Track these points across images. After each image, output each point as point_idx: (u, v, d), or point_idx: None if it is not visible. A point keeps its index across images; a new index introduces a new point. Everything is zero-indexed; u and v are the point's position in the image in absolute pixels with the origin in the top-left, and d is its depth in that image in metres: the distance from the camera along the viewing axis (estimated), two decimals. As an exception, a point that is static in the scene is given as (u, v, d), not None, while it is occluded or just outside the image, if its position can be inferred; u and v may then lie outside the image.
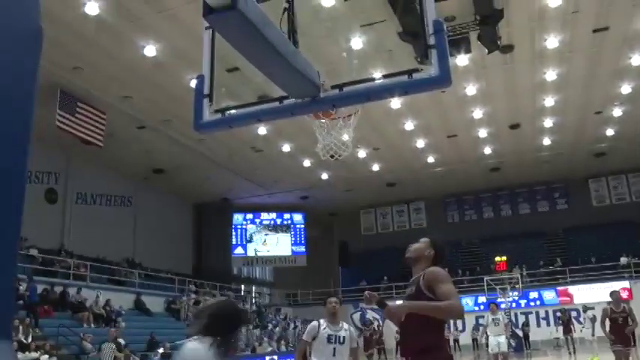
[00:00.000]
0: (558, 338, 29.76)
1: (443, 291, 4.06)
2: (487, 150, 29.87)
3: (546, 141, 28.97)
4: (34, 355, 15.20)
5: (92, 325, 19.78)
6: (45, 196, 25.30)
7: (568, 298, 31.64)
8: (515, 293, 30.30)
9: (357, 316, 35.36)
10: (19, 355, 14.86)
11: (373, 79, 4.46)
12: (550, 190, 37.26)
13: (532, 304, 32.22)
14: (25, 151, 1.80)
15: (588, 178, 35.90)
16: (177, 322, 25.56)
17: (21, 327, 16.13)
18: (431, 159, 30.69)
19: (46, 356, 15.61)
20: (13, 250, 1.70)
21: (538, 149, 29.92)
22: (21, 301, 18.34)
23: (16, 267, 1.76)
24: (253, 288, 40.83)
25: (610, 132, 28.16)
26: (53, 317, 18.60)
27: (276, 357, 22.82)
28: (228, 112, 4.30)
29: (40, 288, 19.73)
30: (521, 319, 31.28)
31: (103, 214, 27.86)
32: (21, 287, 18.79)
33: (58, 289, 20.71)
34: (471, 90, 22.64)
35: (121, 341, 13.92)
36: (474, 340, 30.70)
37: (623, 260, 31.82)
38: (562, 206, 36.85)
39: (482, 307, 32.69)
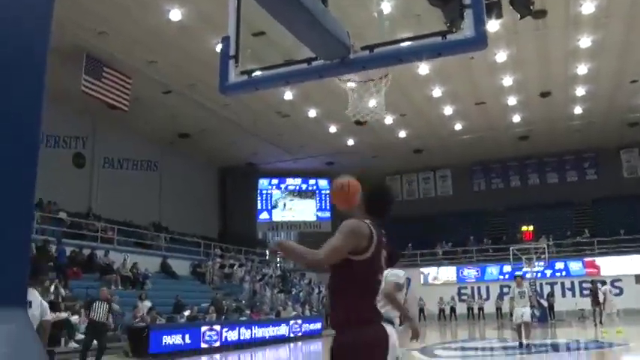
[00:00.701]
0: (583, 309, 29.53)
1: (328, 241, 3.36)
2: (516, 118, 29.32)
3: (578, 109, 28.30)
4: (64, 315, 15.48)
5: (119, 287, 20.11)
6: (73, 161, 25.64)
7: (595, 270, 31.25)
8: (541, 263, 30.00)
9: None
10: (51, 315, 15.15)
11: (404, 41, 4.28)
12: (580, 160, 36.51)
13: (558, 274, 31.89)
14: (38, 109, 1.69)
15: (620, 149, 35.09)
16: (202, 285, 25.88)
17: (52, 287, 16.46)
18: (458, 126, 30.26)
19: (76, 316, 15.90)
20: (28, 220, 1.62)
21: (569, 118, 29.27)
22: (51, 263, 18.72)
23: (30, 237, 1.68)
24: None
25: (644, 101, 27.41)
26: (82, 279, 18.92)
27: (300, 321, 23.02)
28: (254, 74, 4.17)
29: (68, 250, 20.06)
30: (547, 289, 31.03)
31: (130, 178, 28.16)
32: (51, 249, 19.18)
33: (86, 252, 21.04)
34: (501, 56, 22.11)
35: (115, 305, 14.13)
36: (498, 308, 30.67)
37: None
38: (591, 176, 36.15)
39: (506, 276, 32.49)
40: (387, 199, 3.83)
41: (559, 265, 31.85)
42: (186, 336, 16.25)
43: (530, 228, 34.45)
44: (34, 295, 5.03)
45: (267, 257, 36.47)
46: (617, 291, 30.13)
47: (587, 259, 31.73)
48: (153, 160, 30.13)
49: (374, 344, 3.17)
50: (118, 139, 27.34)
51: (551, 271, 31.50)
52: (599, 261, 31.30)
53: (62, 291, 16.88)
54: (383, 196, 3.83)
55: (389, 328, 4.13)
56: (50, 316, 5.08)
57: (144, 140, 28.76)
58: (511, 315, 17.55)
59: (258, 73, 4.20)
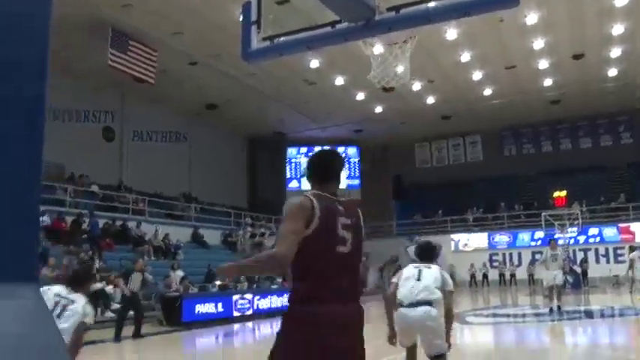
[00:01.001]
0: (617, 276, 29.10)
1: (277, 234, 3.04)
2: (547, 82, 28.60)
3: (612, 71, 27.45)
4: (99, 285, 15.78)
5: (152, 258, 20.40)
6: (103, 135, 25.90)
7: (630, 236, 30.64)
8: (574, 229, 29.49)
9: (412, 249, 35.38)
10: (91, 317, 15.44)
11: (431, 0, 4.11)
12: (614, 124, 35.42)
13: (591, 240, 31.36)
14: (43, 75, 1.62)
15: (657, 111, 34.06)
16: (233, 254, 26.12)
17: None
18: (488, 91, 29.67)
19: (111, 286, 16.21)
20: (35, 189, 1.56)
21: (603, 80, 28.40)
22: (85, 235, 19.08)
23: (38, 208, 1.62)
24: (308, 222, 41.20)
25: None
26: (115, 250, 19.23)
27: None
28: (277, 39, 4.06)
29: (101, 222, 20.38)
30: (580, 255, 30.60)
31: (159, 150, 28.40)
32: (84, 222, 19.55)
33: (119, 224, 21.37)
34: (531, 18, 21.48)
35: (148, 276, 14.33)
36: (530, 275, 30.39)
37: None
38: (626, 140, 35.10)
39: (539, 242, 32.13)
40: (325, 161, 3.36)
41: (593, 230, 31.29)
42: (219, 305, 16.46)
43: (563, 193, 33.79)
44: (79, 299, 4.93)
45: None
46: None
47: (622, 225, 31.10)
48: (181, 132, 30.32)
49: (322, 324, 2.75)
50: (146, 112, 27.54)
51: (584, 237, 30.96)
52: (635, 226, 30.65)
53: (97, 262, 17.17)
54: (321, 159, 3.37)
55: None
56: (91, 318, 4.95)
57: (171, 112, 28.89)
58: (542, 281, 17.38)
59: (281, 39, 4.09)
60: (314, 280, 2.84)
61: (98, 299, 15.13)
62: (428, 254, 5.70)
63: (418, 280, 5.29)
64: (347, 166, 37.63)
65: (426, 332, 5.17)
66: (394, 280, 5.57)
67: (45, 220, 18.60)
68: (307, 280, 2.83)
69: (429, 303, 5.19)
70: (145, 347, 11.74)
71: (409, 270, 5.50)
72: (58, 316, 4.59)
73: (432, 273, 5.39)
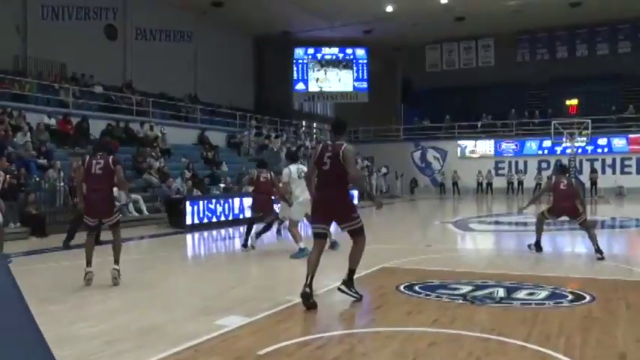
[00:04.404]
0: (622, 186, 29.11)
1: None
2: (570, -20, 27.22)
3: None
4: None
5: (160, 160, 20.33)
6: (104, 32, 25.22)
7: (639, 147, 30.33)
8: (583, 139, 29.12)
9: (417, 155, 35.39)
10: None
11: None
12: (635, 29, 33.83)
13: (599, 150, 31.08)
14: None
15: (683, 17, 32.60)
16: (237, 156, 26.14)
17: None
18: (506, -10, 28.43)
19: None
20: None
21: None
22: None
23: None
24: (314, 124, 41.05)
25: None
26: (119, 152, 19.17)
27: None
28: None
29: (104, 124, 20.24)
30: (586, 165, 30.42)
31: (164, 50, 27.76)
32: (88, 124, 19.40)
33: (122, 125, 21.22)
34: None
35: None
36: (538, 184, 30.47)
37: None
38: (646, 47, 33.89)
39: (546, 151, 31.99)
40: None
41: (602, 141, 30.96)
42: (225, 206, 16.59)
43: (575, 102, 33.26)
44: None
45: (302, 128, 36.54)
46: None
47: (632, 136, 30.68)
48: (186, 31, 29.55)
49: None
50: (149, 10, 26.74)
51: (592, 147, 30.66)
52: (645, 137, 30.28)
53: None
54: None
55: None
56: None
57: (176, 10, 28.03)
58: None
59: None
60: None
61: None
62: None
63: None
64: (355, 68, 36.94)
65: None
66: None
67: (51, 122, 18.48)
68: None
69: None
70: (131, 250, 11.88)
71: None
72: None
73: None
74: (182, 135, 24.08)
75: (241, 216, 17.06)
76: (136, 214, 16.40)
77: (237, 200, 17.22)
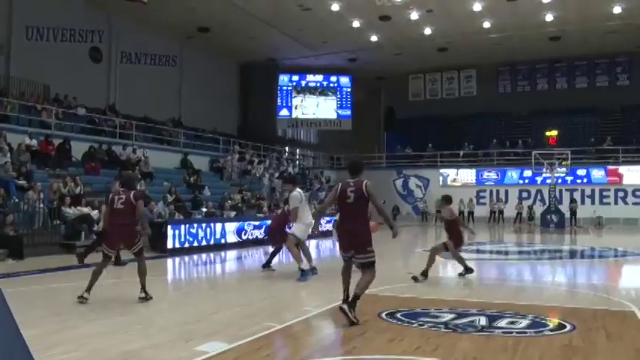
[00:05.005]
0: (601, 217, 29.45)
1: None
2: (549, 17, 27.88)
3: (617, 9, 26.70)
4: (85, 210, 15.69)
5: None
6: (89, 55, 25.21)
7: (617, 178, 30.80)
8: (563, 169, 29.56)
9: (399, 182, 35.55)
10: (70, 209, 15.41)
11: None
12: (612, 65, 34.91)
13: (579, 181, 31.48)
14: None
15: (657, 54, 33.50)
16: (220, 181, 26.07)
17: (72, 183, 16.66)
18: (487, 24, 28.98)
19: (96, 211, 16.11)
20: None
21: (606, 18, 27.64)
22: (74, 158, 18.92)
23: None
24: (297, 150, 41.15)
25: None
26: (101, 175, 19.06)
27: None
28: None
29: (87, 146, 20.11)
30: (566, 195, 30.81)
31: (149, 73, 27.79)
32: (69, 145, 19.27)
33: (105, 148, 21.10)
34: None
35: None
36: (519, 213, 30.79)
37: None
38: (623, 82, 34.65)
39: (526, 180, 32.34)
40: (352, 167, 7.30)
41: (581, 172, 31.38)
42: (206, 231, 16.49)
43: (555, 133, 33.79)
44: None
45: (285, 154, 36.62)
46: (638, 200, 29.93)
47: (610, 167, 31.15)
48: (172, 55, 29.66)
49: None
50: (135, 33, 26.82)
51: (572, 177, 31.10)
52: (622, 169, 30.75)
53: (74, 185, 16.93)
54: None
55: None
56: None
57: (162, 34, 28.17)
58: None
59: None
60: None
61: (83, 223, 15.10)
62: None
63: None
64: (338, 95, 37.27)
65: None
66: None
67: (32, 143, 18.30)
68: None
69: None
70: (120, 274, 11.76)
71: None
72: None
73: None
74: (165, 159, 23.99)
75: (223, 240, 17.00)
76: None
77: (219, 225, 17.16)
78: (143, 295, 7.61)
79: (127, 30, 26.37)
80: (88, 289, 7.46)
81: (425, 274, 9.78)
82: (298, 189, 10.78)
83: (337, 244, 7.18)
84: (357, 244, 6.60)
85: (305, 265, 10.03)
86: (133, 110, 25.31)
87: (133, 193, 7.81)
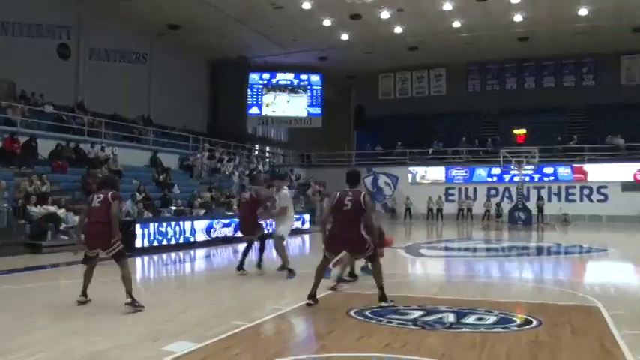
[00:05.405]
0: (567, 214, 29.98)
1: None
2: (518, 17, 28.28)
3: (583, 11, 27.21)
4: (52, 208, 15.44)
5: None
6: (57, 52, 24.78)
7: (582, 176, 31.39)
8: (531, 167, 30.06)
9: (369, 180, 35.67)
10: (37, 208, 15.14)
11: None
12: (578, 65, 35.70)
13: (545, 179, 31.98)
14: None
15: (621, 55, 34.26)
16: (190, 179, 25.87)
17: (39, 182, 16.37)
18: (457, 24, 29.28)
19: (63, 210, 15.87)
20: None
21: (573, 19, 28.15)
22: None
23: None
24: (267, 148, 41.05)
25: (655, 5, 26.47)
26: (68, 173, 18.76)
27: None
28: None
29: (54, 144, 19.76)
30: (533, 193, 31.28)
31: (118, 70, 27.41)
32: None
33: (73, 146, 20.76)
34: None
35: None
36: (487, 211, 31.15)
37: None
38: (589, 82, 35.46)
39: (494, 178, 32.73)
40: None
41: (548, 170, 31.89)
42: (175, 230, 16.35)
43: (523, 131, 34.27)
44: None
45: (255, 152, 36.52)
46: (602, 197, 30.57)
47: (576, 165, 31.73)
48: (142, 52, 29.31)
49: None
50: (104, 30, 26.41)
51: (539, 175, 31.61)
52: (587, 167, 31.35)
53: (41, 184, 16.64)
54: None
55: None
56: None
57: (132, 31, 27.87)
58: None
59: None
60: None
61: (49, 222, 14.86)
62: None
63: None
64: (309, 94, 37.31)
65: None
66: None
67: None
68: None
69: None
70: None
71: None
72: None
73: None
74: (134, 157, 23.69)
75: (192, 239, 16.89)
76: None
77: (188, 223, 17.04)
78: (129, 300, 6.95)
79: (96, 26, 25.93)
80: (83, 293, 7.28)
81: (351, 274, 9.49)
82: (286, 187, 10.72)
83: (326, 245, 7.44)
84: (353, 247, 7.45)
85: (290, 265, 9.97)
86: (101, 108, 24.89)
87: (111, 192, 7.48)
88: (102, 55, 27.04)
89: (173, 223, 16.54)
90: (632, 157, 30.46)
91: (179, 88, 30.78)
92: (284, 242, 10.25)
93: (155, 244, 15.49)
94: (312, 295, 7.23)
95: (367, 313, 6.75)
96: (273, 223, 10.58)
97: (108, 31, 26.62)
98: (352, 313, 6.74)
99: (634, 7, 26.48)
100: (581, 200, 31.32)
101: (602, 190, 30.55)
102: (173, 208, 19.77)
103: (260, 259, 10.65)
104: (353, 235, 7.21)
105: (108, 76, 26.34)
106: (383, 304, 7.08)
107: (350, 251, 7.67)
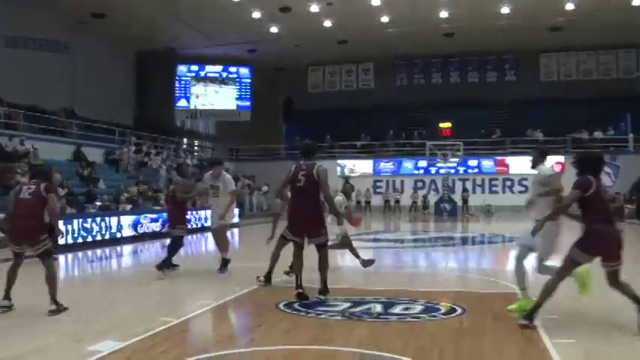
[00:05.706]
0: (490, 205, 31.03)
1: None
2: (444, 14, 29.06)
3: (505, 9, 28.27)
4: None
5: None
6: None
7: (505, 168, 32.60)
8: (456, 160, 30.96)
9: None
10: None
11: None
12: (500, 61, 37.33)
13: (470, 171, 33.05)
14: None
15: (540, 52, 35.83)
16: (116, 173, 25.19)
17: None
18: (385, 19, 29.76)
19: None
20: None
21: (496, 17, 29.19)
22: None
23: None
24: (196, 142, 40.46)
25: (570, 6, 27.80)
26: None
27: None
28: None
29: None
30: (458, 185, 32.19)
31: (37, 59, 26.25)
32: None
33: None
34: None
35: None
36: (414, 202, 31.81)
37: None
38: (510, 78, 37.13)
39: (421, 171, 33.48)
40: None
41: (472, 162, 32.95)
42: (100, 226, 15.88)
43: (448, 125, 35.22)
44: None
45: (183, 146, 35.90)
46: (523, 189, 31.86)
47: (498, 158, 32.92)
48: (63, 41, 28.19)
49: None
50: (21, 17, 25.22)
51: (464, 168, 32.61)
52: (509, 160, 32.55)
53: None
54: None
55: None
56: None
57: (52, 19, 26.76)
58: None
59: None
60: None
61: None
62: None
63: None
64: (238, 86, 36.99)
65: None
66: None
67: None
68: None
69: None
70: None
71: None
72: None
73: None
74: (56, 150, 22.72)
75: (118, 235, 16.46)
76: (1, 235, 15.29)
77: (114, 219, 16.58)
78: (54, 307, 6.47)
79: (12, 12, 24.73)
80: (6, 296, 6.66)
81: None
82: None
83: (287, 227, 7.31)
84: (309, 227, 7.02)
85: (228, 256, 9.72)
86: (19, 99, 23.79)
87: (44, 184, 6.76)
88: (19, 43, 25.87)
89: (98, 219, 16.04)
90: (551, 151, 31.75)
91: (104, 79, 29.90)
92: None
93: (80, 240, 14.98)
94: (298, 286, 7.06)
95: (296, 305, 6.78)
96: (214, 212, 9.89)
97: (25, 18, 25.43)
98: (281, 306, 6.75)
99: (550, 7, 27.71)
100: (504, 192, 32.54)
101: (523, 182, 31.73)
102: (98, 203, 19.17)
103: (167, 260, 9.56)
104: (311, 214, 6.98)
105: (26, 66, 25.24)
106: (321, 297, 7.01)
107: (307, 233, 7.02)
